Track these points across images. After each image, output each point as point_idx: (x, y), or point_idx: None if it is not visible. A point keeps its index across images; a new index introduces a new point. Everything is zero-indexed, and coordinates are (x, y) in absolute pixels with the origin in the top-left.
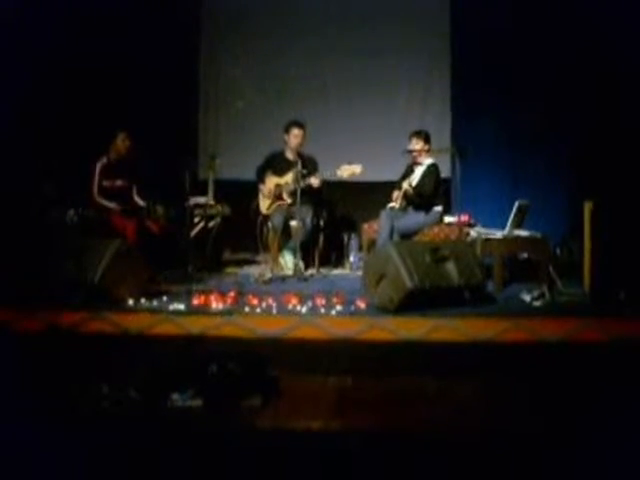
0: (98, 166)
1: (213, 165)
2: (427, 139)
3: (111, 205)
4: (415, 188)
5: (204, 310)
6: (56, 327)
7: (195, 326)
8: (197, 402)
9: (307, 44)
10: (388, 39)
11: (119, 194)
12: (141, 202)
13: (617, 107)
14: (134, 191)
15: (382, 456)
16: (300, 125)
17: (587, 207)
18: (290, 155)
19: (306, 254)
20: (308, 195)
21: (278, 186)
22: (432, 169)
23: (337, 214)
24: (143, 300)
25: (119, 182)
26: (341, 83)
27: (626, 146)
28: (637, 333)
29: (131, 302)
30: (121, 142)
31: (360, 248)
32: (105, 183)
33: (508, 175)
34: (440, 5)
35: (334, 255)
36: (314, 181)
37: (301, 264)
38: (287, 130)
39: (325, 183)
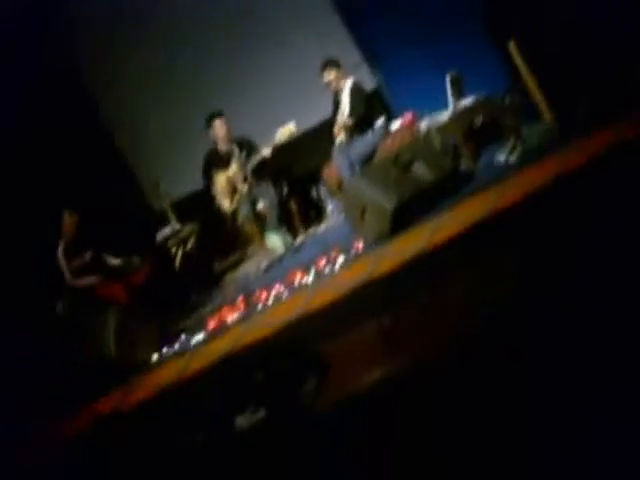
0: (59, 252)
1: (161, 192)
2: (337, 65)
3: (90, 280)
4: (350, 116)
5: (223, 328)
6: (101, 417)
7: (223, 346)
8: (260, 414)
9: (192, 42)
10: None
11: (93, 266)
12: (116, 261)
13: None
14: (105, 255)
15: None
16: (218, 114)
17: (512, 46)
18: (224, 146)
19: (287, 226)
20: (260, 173)
21: (229, 180)
22: (355, 89)
23: (295, 174)
24: (165, 350)
25: (88, 255)
26: (235, 55)
27: None
28: (613, 139)
29: (155, 357)
30: (68, 219)
31: (332, 194)
32: (75, 263)
33: (426, 54)
34: None
35: (312, 213)
36: (266, 152)
37: (287, 238)
38: (208, 125)
39: (277, 147)
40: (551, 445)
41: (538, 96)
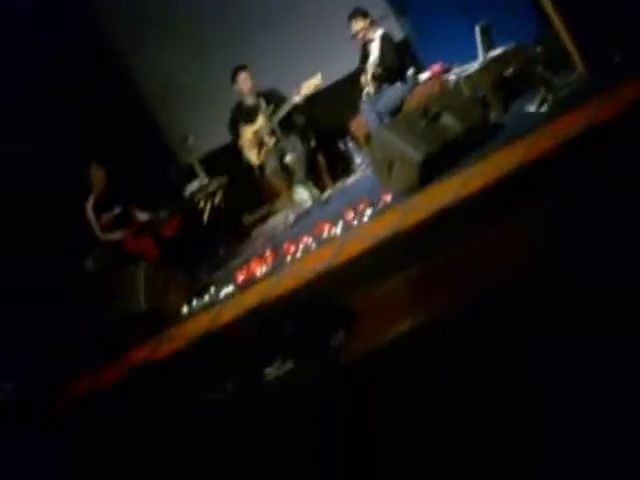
0: (89, 207)
1: (189, 146)
2: (365, 15)
3: (119, 235)
4: (379, 65)
5: (252, 281)
6: (134, 367)
7: (253, 299)
8: (289, 365)
9: None
10: None
11: (122, 221)
12: (145, 216)
13: None
14: (134, 210)
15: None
16: (242, 68)
17: None
18: (250, 100)
19: (315, 179)
20: (287, 126)
21: (255, 133)
22: (385, 39)
23: (323, 128)
24: (195, 302)
25: (117, 210)
26: (260, 7)
27: None
28: None
29: (185, 309)
30: (97, 173)
31: (360, 147)
32: (105, 218)
33: (457, 5)
34: None
35: (340, 166)
36: (296, 97)
37: (315, 191)
38: (233, 80)
39: (308, 95)
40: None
41: (570, 46)
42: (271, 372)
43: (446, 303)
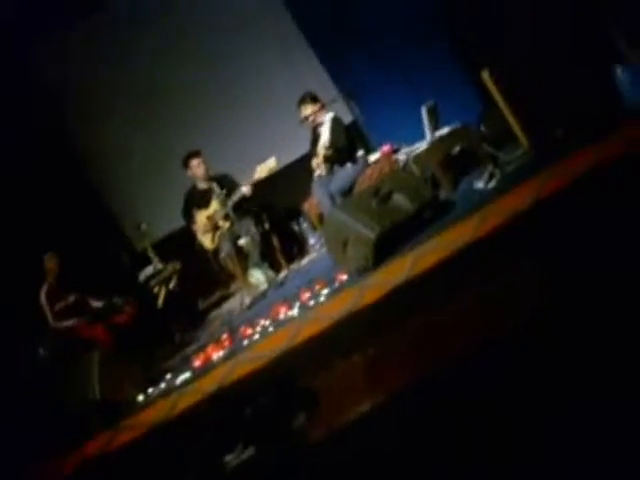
0: (43, 295)
1: (142, 233)
2: (314, 99)
3: (72, 322)
4: (330, 147)
5: (209, 366)
6: (88, 460)
7: (210, 384)
8: (250, 452)
9: (164, 78)
10: (231, 37)
11: (76, 308)
12: (98, 303)
13: None
14: (87, 297)
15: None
16: (195, 154)
17: (485, 76)
18: (203, 185)
19: (270, 261)
20: (240, 209)
21: (209, 218)
22: (336, 122)
23: (276, 209)
24: (151, 390)
25: (71, 297)
26: (214, 95)
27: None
28: (591, 160)
29: (141, 397)
30: (49, 261)
31: (313, 228)
32: (58, 306)
33: (403, 87)
34: None
35: (295, 247)
36: (245, 190)
37: (270, 273)
38: (186, 165)
39: (255, 184)
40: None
41: (514, 123)
42: (232, 460)
43: (405, 381)
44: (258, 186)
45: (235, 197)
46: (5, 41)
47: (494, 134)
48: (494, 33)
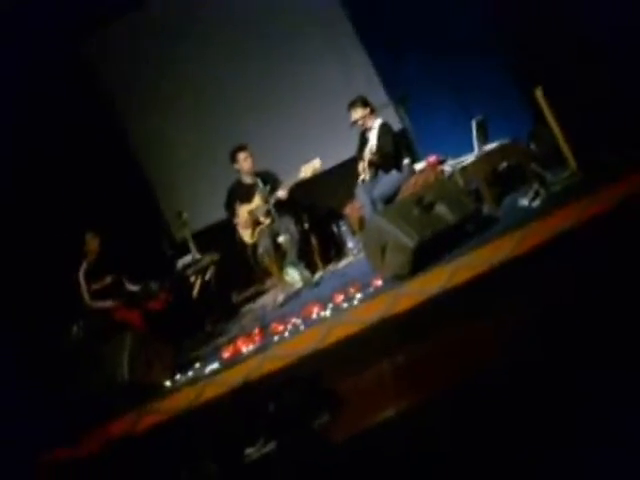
0: (81, 274)
1: (183, 221)
2: (365, 103)
3: (108, 304)
4: (377, 152)
5: (238, 358)
6: (112, 440)
7: (237, 377)
8: (271, 446)
9: (222, 76)
10: (287, 37)
11: (112, 290)
12: (134, 287)
13: None
14: (124, 280)
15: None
16: (243, 148)
17: (538, 93)
18: (248, 179)
19: (306, 261)
20: (283, 206)
21: (251, 213)
22: (384, 128)
23: (317, 210)
24: (178, 376)
25: (108, 279)
26: (265, 92)
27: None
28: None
29: (169, 383)
30: (91, 241)
31: (353, 231)
32: (95, 286)
33: (455, 99)
34: None
35: (333, 249)
36: (281, 194)
37: (306, 272)
38: (233, 159)
39: (294, 188)
40: None
41: (563, 143)
42: (251, 453)
43: (431, 390)
44: (301, 186)
45: (274, 196)
46: (57, 36)
47: (543, 153)
48: (551, 51)
